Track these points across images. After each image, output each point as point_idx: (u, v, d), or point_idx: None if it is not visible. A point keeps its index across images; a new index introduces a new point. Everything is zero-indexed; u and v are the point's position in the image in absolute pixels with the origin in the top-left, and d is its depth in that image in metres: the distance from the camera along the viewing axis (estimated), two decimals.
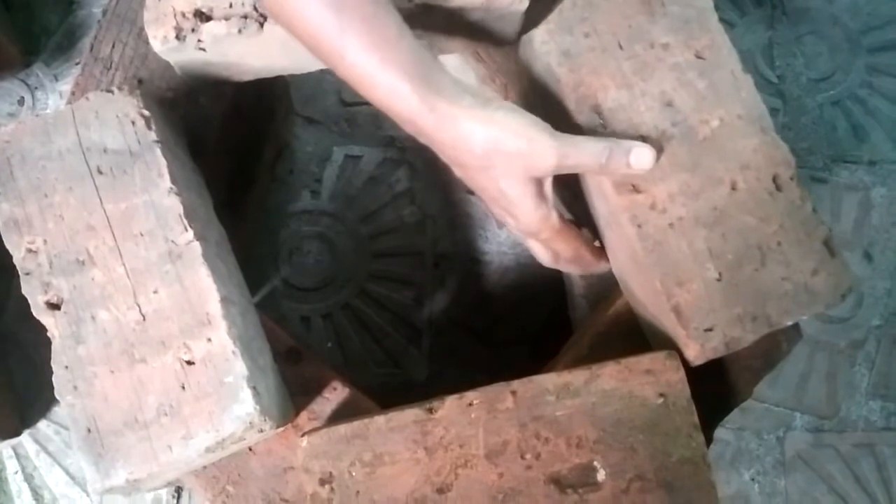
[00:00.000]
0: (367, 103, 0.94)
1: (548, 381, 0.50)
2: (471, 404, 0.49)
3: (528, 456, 0.49)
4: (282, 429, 0.53)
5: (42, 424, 0.82)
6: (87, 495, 0.80)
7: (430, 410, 0.49)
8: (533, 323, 0.86)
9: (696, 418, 0.49)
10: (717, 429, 0.62)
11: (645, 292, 0.54)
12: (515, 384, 0.50)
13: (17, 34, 0.92)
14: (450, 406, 0.49)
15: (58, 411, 0.82)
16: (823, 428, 0.87)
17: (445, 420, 0.49)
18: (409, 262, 0.88)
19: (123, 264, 0.49)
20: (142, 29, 0.64)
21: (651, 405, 0.49)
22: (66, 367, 0.48)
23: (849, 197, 0.93)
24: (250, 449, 0.56)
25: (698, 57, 0.53)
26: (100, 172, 0.51)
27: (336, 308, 0.86)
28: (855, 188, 0.94)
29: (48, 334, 0.49)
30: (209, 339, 0.48)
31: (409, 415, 0.49)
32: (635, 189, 0.51)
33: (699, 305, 0.50)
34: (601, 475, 0.48)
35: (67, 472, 0.80)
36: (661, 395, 0.50)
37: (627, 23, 0.54)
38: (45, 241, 0.50)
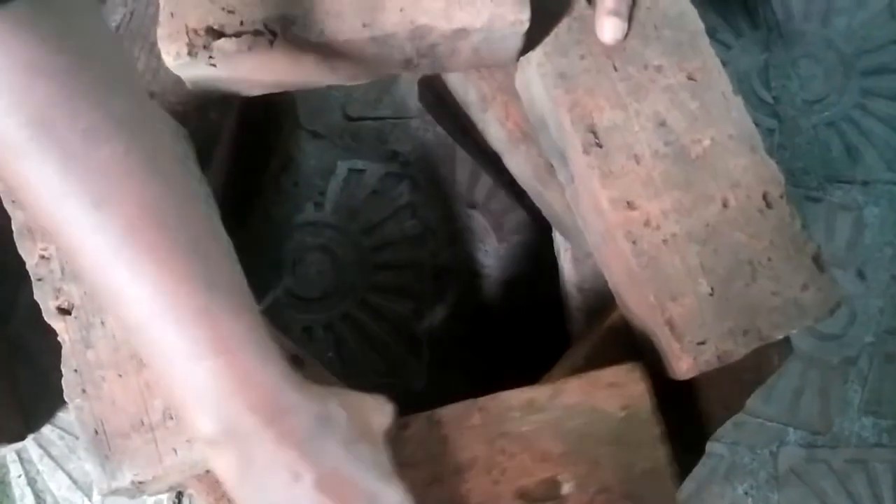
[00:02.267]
0: (371, 118, 0.96)
1: (512, 397, 0.51)
2: (439, 422, 0.50)
3: (494, 471, 0.49)
4: None
5: (46, 429, 0.83)
6: (89, 500, 0.81)
7: (401, 428, 0.50)
8: (530, 335, 0.87)
9: (658, 430, 0.50)
10: (712, 443, 0.63)
11: (639, 306, 0.55)
12: (482, 401, 0.51)
13: None
14: (419, 424, 0.50)
15: (62, 416, 0.83)
16: (816, 443, 0.88)
17: (416, 438, 0.50)
18: (409, 275, 0.89)
19: None
20: (154, 44, 0.66)
21: (614, 418, 0.50)
22: (76, 370, 0.50)
23: (842, 216, 0.95)
24: None
25: (690, 79, 0.55)
26: None
27: (337, 318, 0.87)
28: (848, 208, 0.95)
29: (59, 338, 0.51)
30: None
31: None
32: (630, 206, 0.53)
33: (692, 319, 0.51)
34: (566, 488, 0.49)
35: (70, 477, 0.81)
36: (624, 407, 0.50)
37: (622, 45, 0.56)
38: (57, 249, 0.52)
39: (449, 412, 0.50)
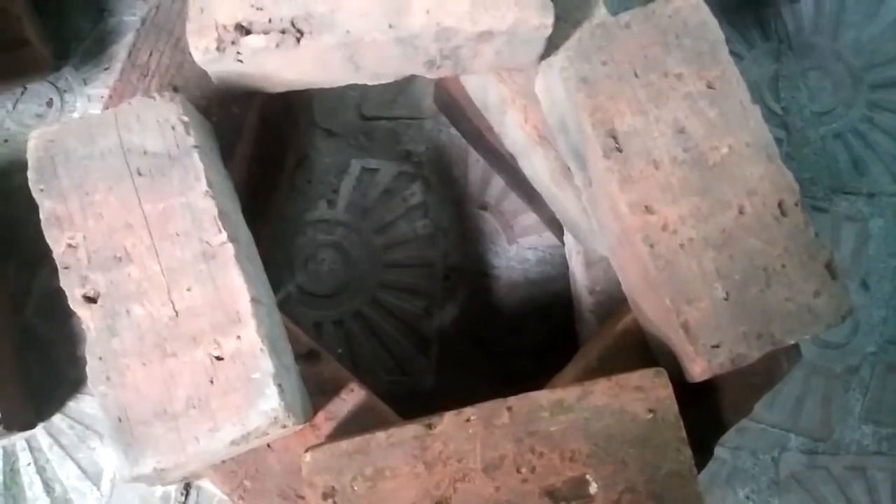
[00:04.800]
0: (385, 118, 0.96)
1: (542, 397, 0.52)
2: (468, 420, 0.51)
3: (523, 470, 0.50)
4: (300, 426, 0.55)
5: (56, 418, 0.83)
6: (98, 489, 0.81)
7: (429, 426, 0.51)
8: (539, 336, 0.88)
9: (683, 433, 0.51)
10: (715, 447, 0.64)
11: (655, 309, 0.56)
12: (511, 400, 0.52)
13: (48, 38, 0.95)
14: (448, 422, 0.51)
15: (72, 406, 0.84)
16: (817, 450, 0.89)
17: (444, 435, 0.51)
18: (420, 274, 0.90)
19: (159, 262, 0.52)
20: (178, 38, 0.67)
21: (641, 420, 0.51)
22: (100, 358, 0.50)
23: (847, 227, 0.96)
24: (268, 445, 0.58)
25: (709, 87, 0.56)
26: (139, 174, 0.54)
27: (348, 315, 0.88)
28: (854, 219, 0.97)
29: (83, 326, 0.51)
30: (238, 337, 0.50)
31: (408, 430, 0.51)
32: (648, 210, 0.54)
33: (707, 323, 0.52)
34: (594, 488, 0.50)
35: (79, 466, 0.82)
36: (651, 410, 0.51)
37: (643, 53, 0.57)
38: (84, 237, 0.52)
39: (478, 411, 0.51)
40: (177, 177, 0.53)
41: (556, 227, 0.86)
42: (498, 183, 0.92)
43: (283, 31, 0.57)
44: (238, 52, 0.57)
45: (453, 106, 0.87)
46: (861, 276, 0.94)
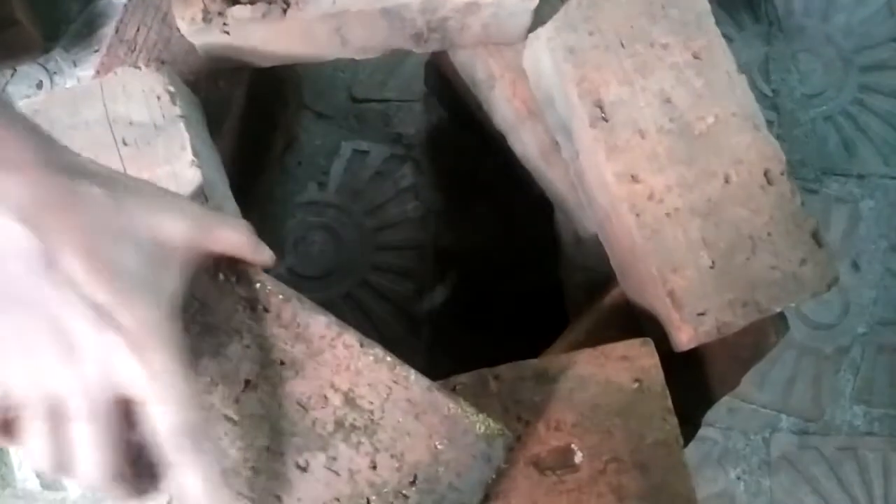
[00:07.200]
0: (376, 100, 0.96)
1: (528, 367, 0.52)
2: (454, 389, 0.51)
3: None
4: None
5: None
6: None
7: None
8: (530, 315, 0.88)
9: (669, 402, 0.51)
10: (706, 427, 0.64)
11: (641, 279, 0.56)
12: (498, 370, 0.52)
13: (38, 20, 0.95)
14: None
15: None
16: (808, 430, 0.89)
17: None
18: (411, 255, 0.90)
19: None
20: (166, 14, 0.66)
21: (626, 390, 0.51)
22: None
23: (838, 209, 0.96)
24: None
25: (695, 57, 0.56)
26: (125, 143, 0.53)
27: (338, 297, 0.88)
28: (844, 200, 0.97)
29: None
30: None
31: None
32: (634, 179, 0.54)
33: (693, 291, 0.52)
34: (579, 457, 0.50)
35: None
36: (636, 380, 0.51)
37: (629, 23, 0.57)
38: None
39: (466, 379, 0.51)
40: (162, 146, 0.53)
41: (546, 206, 0.86)
42: (488, 163, 0.92)
43: (269, 2, 0.57)
44: (224, 24, 0.57)
45: (443, 87, 0.87)
46: (852, 258, 0.94)
